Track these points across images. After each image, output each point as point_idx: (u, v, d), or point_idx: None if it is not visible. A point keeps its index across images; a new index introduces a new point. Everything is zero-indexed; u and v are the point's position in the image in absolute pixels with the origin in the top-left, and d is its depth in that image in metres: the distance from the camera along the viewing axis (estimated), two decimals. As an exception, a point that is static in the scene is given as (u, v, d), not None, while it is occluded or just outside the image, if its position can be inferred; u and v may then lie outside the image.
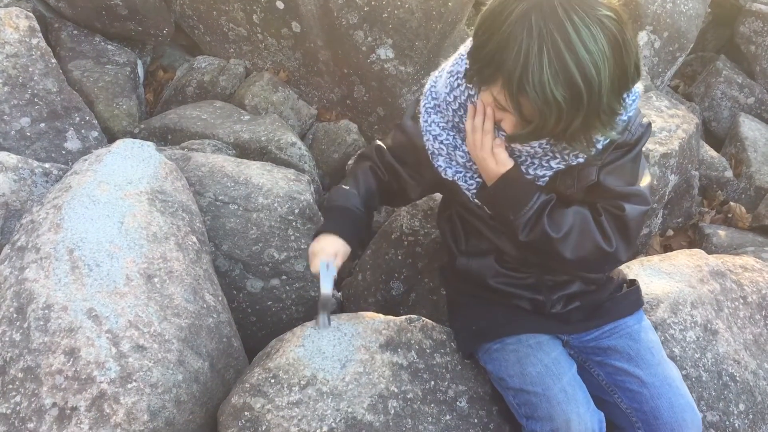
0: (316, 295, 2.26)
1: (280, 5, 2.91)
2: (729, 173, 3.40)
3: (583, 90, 1.22)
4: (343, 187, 1.78)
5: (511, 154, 1.52)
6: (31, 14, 2.53)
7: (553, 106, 1.24)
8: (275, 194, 2.21)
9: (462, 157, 1.59)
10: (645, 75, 3.01)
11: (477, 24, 1.33)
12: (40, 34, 2.52)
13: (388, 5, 2.76)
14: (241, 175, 2.22)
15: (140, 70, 3.05)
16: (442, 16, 2.82)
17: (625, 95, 1.32)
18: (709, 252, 2.36)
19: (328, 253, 1.68)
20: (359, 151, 1.85)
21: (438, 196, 2.20)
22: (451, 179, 1.63)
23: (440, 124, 1.60)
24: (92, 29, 2.97)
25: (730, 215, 3.27)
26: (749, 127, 3.65)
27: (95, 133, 2.56)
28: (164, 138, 2.76)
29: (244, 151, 2.67)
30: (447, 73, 1.56)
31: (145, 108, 3.05)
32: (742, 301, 2.13)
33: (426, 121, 1.62)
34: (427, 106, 1.62)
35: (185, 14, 3.17)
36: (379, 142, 1.80)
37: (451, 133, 1.59)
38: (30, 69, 2.44)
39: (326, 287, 1.65)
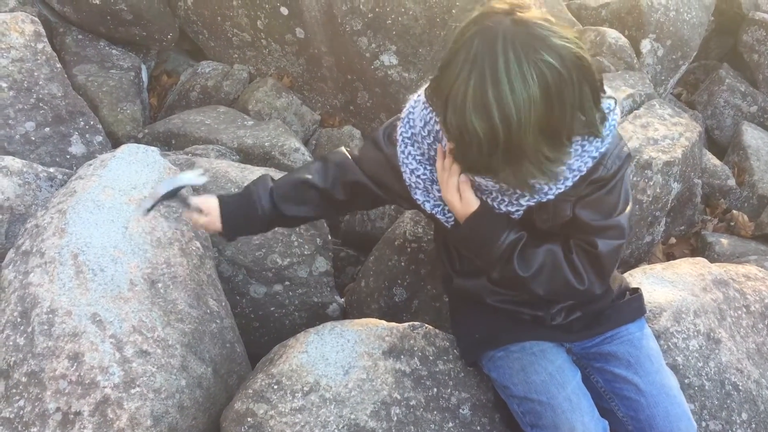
0: (318, 301, 2.27)
1: (285, 11, 2.92)
2: (732, 181, 3.40)
3: (500, 127, 1.19)
4: (275, 179, 1.73)
5: (482, 190, 1.49)
6: (36, 19, 2.54)
7: (471, 134, 1.22)
8: (279, 200, 2.21)
9: (439, 192, 1.55)
10: (648, 83, 3.01)
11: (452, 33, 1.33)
12: (46, 39, 2.53)
13: (392, 12, 2.76)
14: (245, 180, 2.23)
15: (144, 75, 3.06)
16: (446, 23, 2.82)
17: (565, 145, 1.28)
18: (712, 260, 2.35)
19: (208, 204, 1.67)
20: (325, 156, 1.78)
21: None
22: (429, 212, 1.59)
23: (416, 157, 1.55)
24: (97, 34, 2.98)
25: (732, 223, 3.27)
26: (752, 135, 3.65)
27: (99, 138, 2.56)
28: (168, 143, 2.76)
29: (248, 156, 2.68)
30: (422, 103, 1.51)
31: (148, 113, 3.06)
32: (745, 310, 2.13)
33: (403, 152, 1.56)
34: (404, 135, 1.56)
35: (190, 19, 3.18)
36: (345, 154, 1.72)
37: (428, 167, 1.54)
38: (35, 73, 2.45)
39: (165, 186, 1.63)
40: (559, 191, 1.43)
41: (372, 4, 2.76)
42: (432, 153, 1.52)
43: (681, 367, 1.88)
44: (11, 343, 1.62)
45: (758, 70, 4.05)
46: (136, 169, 1.96)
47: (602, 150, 1.41)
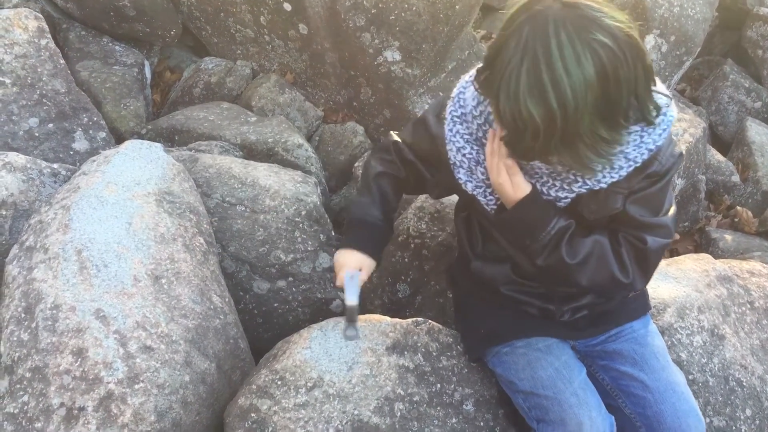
0: (322, 297, 2.27)
1: (288, 7, 2.92)
2: (736, 177, 3.39)
3: (557, 111, 1.18)
4: (361, 199, 1.76)
5: (531, 174, 1.48)
6: (39, 15, 2.54)
7: (527, 120, 1.21)
8: (282, 196, 2.21)
9: (483, 173, 1.54)
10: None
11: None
12: (49, 35, 2.53)
13: (396, 8, 2.76)
14: (248, 176, 2.23)
15: (147, 71, 3.06)
16: (449, 19, 2.82)
17: (622, 126, 1.26)
18: (716, 256, 2.35)
19: (352, 266, 1.67)
20: (373, 148, 1.81)
21: (448, 198, 2.20)
22: (470, 192, 1.58)
23: (464, 136, 1.54)
24: (100, 30, 2.98)
25: (736, 220, 3.26)
26: (756, 131, 3.64)
27: (103, 134, 2.56)
28: (171, 139, 2.76)
29: (251, 152, 2.67)
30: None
31: (152, 109, 3.06)
32: (749, 306, 2.13)
33: (451, 131, 1.56)
34: (454, 114, 1.55)
35: (193, 15, 3.17)
36: (395, 137, 1.76)
37: (475, 147, 1.54)
38: (39, 69, 2.45)
39: (351, 299, 1.63)
40: (613, 180, 1.42)
41: (375, 0, 2.76)
42: (480, 134, 1.52)
43: (685, 363, 1.88)
44: (15, 338, 1.62)
45: (763, 66, 4.04)
46: (139, 165, 1.96)
47: (659, 143, 1.41)
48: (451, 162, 1.58)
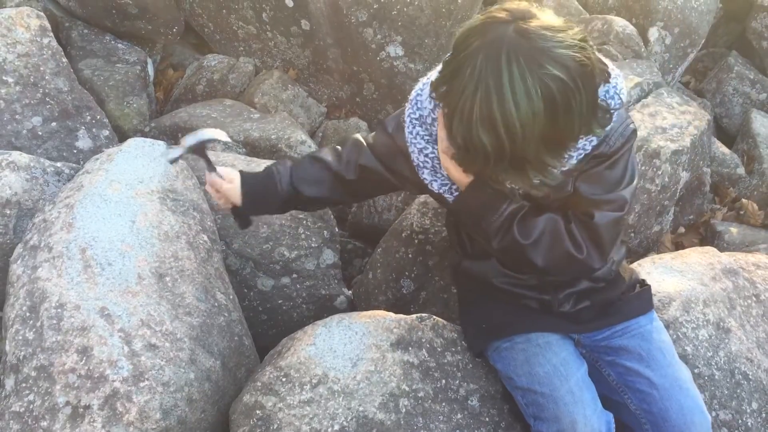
0: (326, 293, 2.27)
1: (290, 3, 2.92)
2: (741, 170, 3.37)
3: (506, 141, 1.21)
4: (290, 158, 1.78)
5: None
6: (42, 13, 2.54)
7: (477, 147, 1.24)
8: (285, 193, 2.21)
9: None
10: (657, 71, 2.99)
11: (453, 42, 1.32)
12: (51, 34, 2.53)
13: (398, 3, 2.75)
14: (252, 173, 2.23)
15: (150, 69, 3.06)
16: (452, 14, 2.81)
17: (564, 151, 1.30)
18: (721, 249, 2.34)
19: (228, 173, 1.72)
20: (339, 140, 1.82)
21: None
22: (437, 192, 1.60)
23: (424, 137, 1.56)
24: (102, 28, 2.98)
25: (742, 212, 3.25)
26: (761, 123, 3.62)
27: (106, 132, 2.57)
28: (174, 136, 2.76)
29: (254, 149, 2.67)
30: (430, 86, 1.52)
31: (155, 106, 3.06)
32: (754, 299, 2.12)
33: (411, 133, 1.58)
34: (412, 116, 1.57)
35: (195, 13, 3.17)
36: (359, 139, 1.75)
37: (436, 147, 1.55)
38: (41, 68, 2.45)
39: (193, 138, 1.69)
40: (563, 169, 1.43)
41: (377, -6, 2.76)
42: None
43: (690, 356, 1.87)
44: (20, 337, 1.63)
45: (767, 57, 4.02)
46: (142, 163, 1.97)
47: (607, 129, 1.42)
48: (415, 164, 1.60)
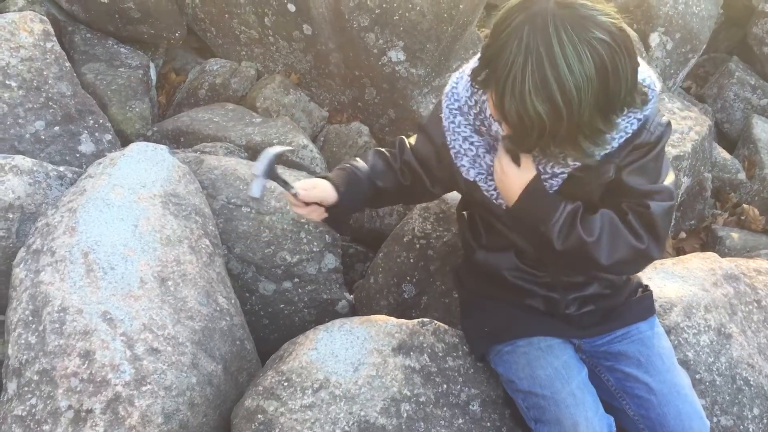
0: (327, 298, 2.27)
1: (292, 8, 2.92)
2: (742, 175, 3.38)
3: (563, 107, 1.24)
4: (354, 158, 1.79)
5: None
6: (45, 18, 2.55)
7: (534, 118, 1.25)
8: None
9: (490, 161, 1.59)
10: (657, 77, 2.99)
11: (492, 26, 1.34)
12: (54, 38, 2.54)
13: (400, 8, 2.76)
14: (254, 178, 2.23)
15: (153, 73, 3.06)
16: (453, 19, 2.81)
17: (614, 116, 1.32)
18: (722, 254, 2.35)
19: (308, 181, 1.69)
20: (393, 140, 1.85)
21: (450, 197, 2.20)
22: (472, 180, 1.63)
23: (468, 126, 1.60)
24: (105, 32, 2.98)
25: (743, 217, 3.25)
26: (762, 128, 3.63)
27: (109, 136, 2.57)
28: (177, 141, 2.77)
29: (256, 153, 2.67)
30: (467, 76, 1.56)
31: (157, 111, 3.06)
32: (756, 304, 2.12)
33: (453, 122, 1.61)
34: (452, 107, 1.61)
35: (197, 17, 3.18)
36: (403, 138, 1.80)
37: (480, 137, 1.59)
38: (44, 72, 2.46)
39: (264, 158, 1.63)
40: (605, 152, 1.46)
41: (379, 0, 2.76)
42: (477, 124, 1.57)
43: (692, 362, 1.87)
44: (23, 341, 1.63)
45: (768, 63, 4.03)
46: (145, 168, 1.97)
47: (646, 113, 1.46)
48: (454, 152, 1.63)
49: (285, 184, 1.66)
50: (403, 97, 2.99)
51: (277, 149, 1.67)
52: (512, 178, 1.51)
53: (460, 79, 1.61)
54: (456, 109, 1.61)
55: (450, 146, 1.63)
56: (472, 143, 1.60)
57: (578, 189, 1.54)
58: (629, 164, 1.51)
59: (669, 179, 1.57)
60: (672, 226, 2.91)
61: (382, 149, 1.81)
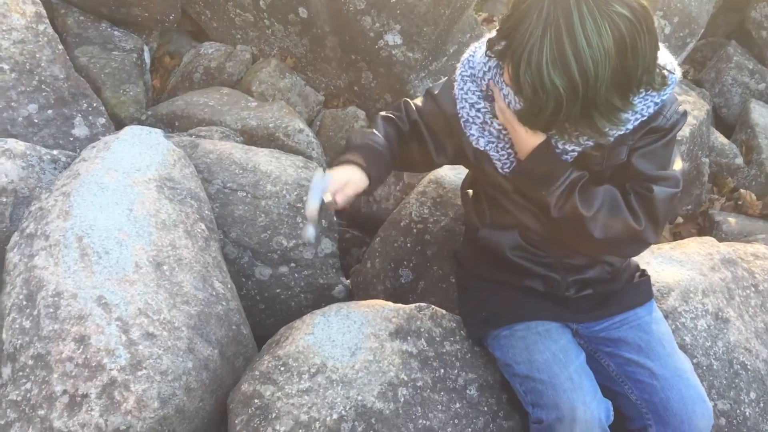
0: (324, 283, 2.26)
1: (288, -10, 2.89)
2: (739, 160, 3.37)
3: (579, 81, 1.23)
4: (363, 131, 1.72)
5: None
6: (37, 0, 2.52)
7: (549, 91, 1.24)
8: (283, 181, 2.20)
9: (498, 126, 1.57)
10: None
11: None
12: (47, 20, 2.51)
13: (397, -10, 2.73)
14: (249, 162, 2.22)
15: (147, 57, 3.03)
16: (451, 2, 2.79)
17: (631, 95, 1.31)
18: (720, 239, 2.34)
19: (337, 178, 1.58)
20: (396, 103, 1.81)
21: (447, 181, 2.19)
22: (482, 149, 1.61)
23: (476, 93, 1.58)
24: (98, 15, 2.95)
25: (740, 202, 3.25)
26: (760, 113, 3.62)
27: (102, 120, 2.55)
28: (171, 125, 2.75)
29: (252, 137, 2.66)
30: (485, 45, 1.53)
31: (151, 94, 3.04)
32: (753, 289, 2.12)
33: (462, 89, 1.60)
34: (464, 74, 1.60)
35: (192, 0, 3.15)
36: (407, 99, 1.77)
37: (488, 104, 1.58)
38: (37, 55, 2.43)
39: (313, 200, 1.53)
40: (620, 133, 1.45)
41: (376, -18, 2.74)
42: (490, 92, 1.56)
43: (689, 346, 1.87)
44: (17, 326, 1.62)
45: (766, 48, 4.01)
46: (139, 151, 1.95)
47: (664, 97, 1.45)
48: (463, 120, 1.61)
49: (327, 209, 1.57)
50: (399, 81, 2.97)
51: (320, 181, 1.55)
52: (522, 135, 1.49)
53: (478, 48, 1.59)
54: (468, 76, 1.59)
55: (459, 114, 1.62)
56: (479, 110, 1.58)
57: (589, 169, 1.53)
58: (640, 147, 1.51)
59: (677, 167, 1.57)
60: (669, 211, 2.90)
61: (388, 114, 1.74)
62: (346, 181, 1.58)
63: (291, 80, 3.07)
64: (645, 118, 1.45)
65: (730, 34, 4.26)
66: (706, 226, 3.09)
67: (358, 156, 1.62)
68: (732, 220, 3.04)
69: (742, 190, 3.29)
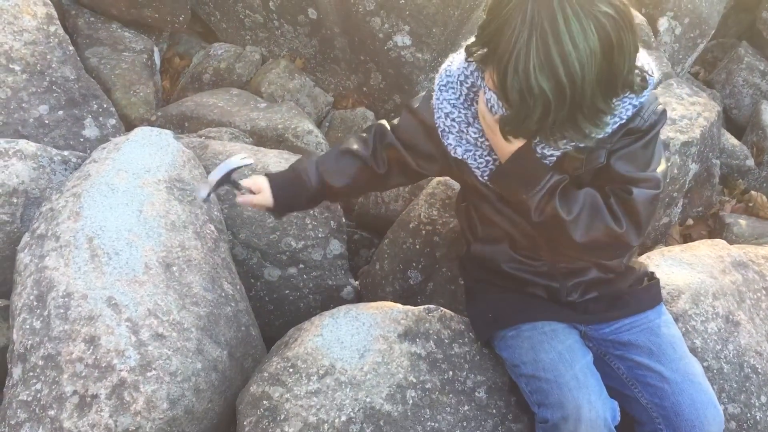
0: (333, 284, 2.26)
1: (297, -8, 2.90)
2: (750, 161, 3.35)
3: (566, 84, 1.21)
4: (313, 157, 1.79)
5: None
6: (48, 1, 2.53)
7: (537, 96, 1.22)
8: (293, 182, 2.20)
9: (474, 134, 1.56)
10: (666, 62, 2.96)
11: (488, 3, 1.32)
12: (58, 22, 2.52)
13: (406, -9, 2.73)
14: (259, 163, 2.22)
15: (157, 58, 3.05)
16: (460, 3, 2.79)
17: (614, 96, 1.30)
18: (730, 241, 2.32)
19: (255, 185, 1.73)
20: (366, 127, 1.84)
21: (454, 182, 2.19)
22: (460, 158, 1.60)
23: (451, 101, 1.57)
24: (109, 16, 2.97)
25: (751, 204, 3.23)
26: (771, 114, 3.59)
27: (113, 121, 2.56)
28: (181, 125, 2.76)
29: (261, 138, 2.67)
30: (462, 55, 1.53)
31: (161, 95, 3.05)
32: (764, 292, 2.11)
33: (438, 99, 1.60)
34: (440, 84, 1.59)
35: (202, 1, 3.16)
36: (383, 122, 1.77)
37: (463, 111, 1.56)
38: (48, 56, 2.44)
39: (220, 171, 1.69)
40: (599, 137, 1.42)
41: (385, -17, 2.74)
42: (471, 95, 1.54)
43: (699, 350, 1.86)
44: (28, 326, 1.63)
45: (778, 48, 3.99)
46: (149, 152, 1.96)
47: (642, 99, 1.44)
48: (440, 130, 1.61)
49: (236, 187, 1.73)
50: (408, 82, 2.97)
51: (236, 163, 1.71)
52: (500, 140, 1.45)
53: (456, 56, 1.58)
54: (444, 85, 1.58)
55: (436, 124, 1.62)
56: (453, 119, 1.57)
57: (568, 173, 1.52)
58: (619, 149, 1.49)
59: (659, 169, 1.55)
60: (679, 213, 2.89)
61: (349, 143, 1.77)
62: (259, 189, 1.73)
63: (300, 81, 3.08)
64: (623, 121, 1.45)
65: (741, 35, 4.24)
66: (717, 229, 3.07)
67: (281, 178, 1.76)
68: (743, 222, 3.02)
69: (753, 192, 3.27)
